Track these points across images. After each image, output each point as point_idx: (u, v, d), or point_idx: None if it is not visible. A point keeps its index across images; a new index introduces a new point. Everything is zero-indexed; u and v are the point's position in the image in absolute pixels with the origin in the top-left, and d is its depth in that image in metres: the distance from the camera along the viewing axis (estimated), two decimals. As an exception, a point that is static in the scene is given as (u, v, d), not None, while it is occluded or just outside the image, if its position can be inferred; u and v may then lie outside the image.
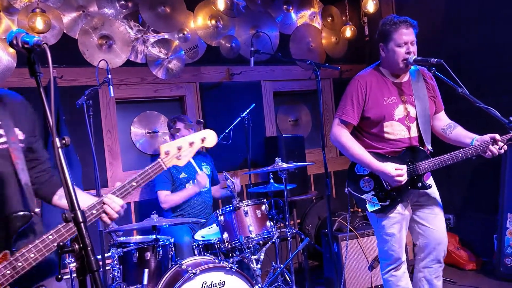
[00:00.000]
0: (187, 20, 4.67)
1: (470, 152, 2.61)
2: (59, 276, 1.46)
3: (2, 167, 1.69)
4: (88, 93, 3.38)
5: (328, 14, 5.56)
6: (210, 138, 1.99)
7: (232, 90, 4.91)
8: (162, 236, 3.35)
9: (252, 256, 3.18)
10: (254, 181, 4.83)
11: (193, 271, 2.82)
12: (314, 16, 5.50)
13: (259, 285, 3.06)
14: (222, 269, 2.93)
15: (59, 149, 1.35)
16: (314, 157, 5.13)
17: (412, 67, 2.76)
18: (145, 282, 3.03)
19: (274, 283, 3.52)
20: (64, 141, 1.38)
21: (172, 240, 3.33)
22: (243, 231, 3.17)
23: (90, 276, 1.29)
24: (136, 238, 3.53)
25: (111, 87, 3.43)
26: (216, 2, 4.67)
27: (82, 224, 1.32)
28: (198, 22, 4.71)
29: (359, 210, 4.42)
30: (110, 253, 3.19)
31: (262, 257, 3.24)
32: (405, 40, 2.66)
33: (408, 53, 2.66)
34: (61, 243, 1.38)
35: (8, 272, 1.58)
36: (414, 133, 2.76)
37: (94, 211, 1.69)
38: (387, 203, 2.72)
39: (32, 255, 1.58)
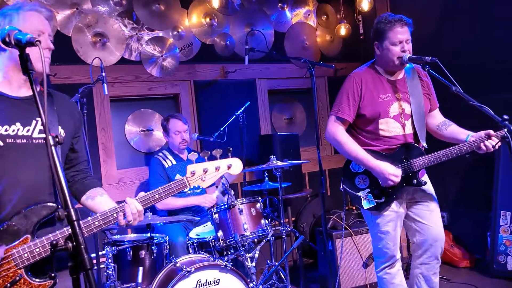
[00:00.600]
0: (182, 17, 4.66)
1: (465, 148, 2.62)
2: (53, 275, 1.47)
3: (40, 159, 1.80)
4: (82, 91, 3.36)
5: (323, 12, 5.56)
6: (235, 166, 2.09)
7: (227, 88, 4.90)
8: (157, 234, 3.34)
9: (247, 254, 3.18)
10: (249, 179, 4.83)
11: (188, 269, 2.82)
12: (309, 14, 5.50)
13: (254, 283, 3.06)
14: (217, 267, 2.93)
15: (52, 147, 1.35)
16: (308, 155, 5.14)
17: (407, 65, 2.77)
18: (140, 280, 3.02)
19: (268, 281, 3.52)
20: (57, 139, 1.38)
21: (167, 238, 3.32)
22: (237, 229, 3.16)
23: (84, 274, 1.29)
24: (131, 236, 3.52)
25: (105, 85, 3.42)
26: (210, 0, 4.66)
27: (75, 222, 1.31)
28: (193, 20, 4.70)
29: (354, 208, 4.44)
30: (104, 251, 3.17)
31: (256, 255, 3.24)
32: (400, 39, 2.66)
33: (403, 51, 2.67)
34: (54, 242, 1.37)
35: (26, 255, 1.69)
36: (409, 130, 2.77)
37: (115, 214, 1.84)
38: (383, 200, 2.73)
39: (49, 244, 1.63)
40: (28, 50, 1.47)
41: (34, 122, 1.83)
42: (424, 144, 2.78)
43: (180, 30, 4.65)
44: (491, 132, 2.58)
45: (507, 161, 4.05)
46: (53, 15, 2.00)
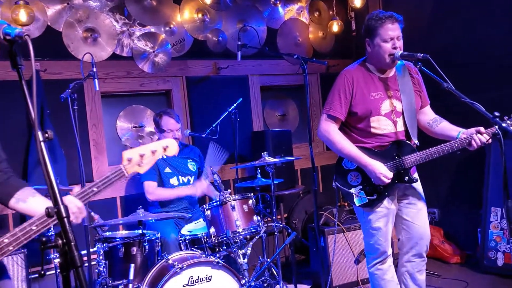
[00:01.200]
0: (174, 13, 4.63)
1: (456, 145, 2.63)
2: (42, 272, 1.45)
3: None
4: (72, 86, 3.33)
5: (315, 9, 5.55)
6: (171, 147, 2.05)
7: (219, 85, 4.88)
8: (148, 231, 3.33)
9: (239, 250, 3.18)
10: (241, 176, 4.83)
11: (180, 265, 2.81)
12: (301, 11, 5.49)
13: (246, 279, 3.06)
14: (209, 264, 2.92)
15: (42, 143, 1.33)
16: (301, 152, 5.14)
17: (398, 62, 2.77)
18: (131, 277, 3.01)
19: (261, 277, 3.52)
20: (47, 135, 1.36)
21: (159, 235, 3.31)
22: (230, 225, 3.16)
23: (74, 272, 1.28)
24: (122, 233, 3.50)
25: (96, 80, 3.39)
26: (203, -5, 4.64)
27: (65, 219, 1.30)
28: (185, 15, 4.67)
29: (346, 204, 4.44)
30: (95, 248, 3.16)
31: (249, 251, 3.24)
32: (391, 35, 2.66)
33: (394, 48, 2.67)
34: (43, 239, 1.36)
35: None
36: (400, 127, 2.78)
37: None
38: (375, 197, 2.74)
39: None
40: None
41: None
42: (416, 141, 2.79)
43: (172, 26, 4.62)
44: (482, 129, 2.59)
45: (498, 158, 4.08)
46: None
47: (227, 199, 3.21)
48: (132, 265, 3.05)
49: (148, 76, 4.50)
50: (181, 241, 3.43)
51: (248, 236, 3.27)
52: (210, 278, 2.90)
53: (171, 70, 4.60)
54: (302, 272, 4.49)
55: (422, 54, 2.57)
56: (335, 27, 5.47)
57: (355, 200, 2.79)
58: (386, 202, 2.75)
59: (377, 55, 2.73)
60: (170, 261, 2.93)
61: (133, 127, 4.53)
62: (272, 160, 3.60)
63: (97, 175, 4.19)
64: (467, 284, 3.88)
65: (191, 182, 3.97)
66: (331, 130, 2.78)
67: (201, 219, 3.61)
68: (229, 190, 3.33)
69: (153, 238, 3.22)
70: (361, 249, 3.86)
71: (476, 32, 4.37)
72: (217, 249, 3.30)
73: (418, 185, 2.84)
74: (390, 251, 2.85)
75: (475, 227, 4.36)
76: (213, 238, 3.17)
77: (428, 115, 2.93)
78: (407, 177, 2.73)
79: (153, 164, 2.00)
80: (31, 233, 1.63)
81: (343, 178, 2.83)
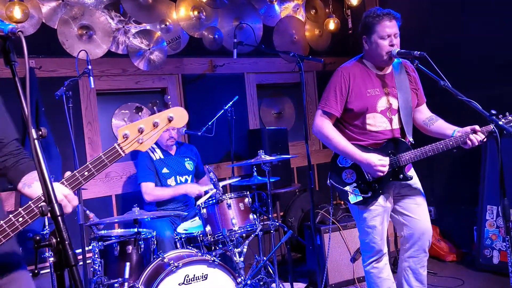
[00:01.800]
0: (169, 10, 4.61)
1: (451, 143, 2.63)
2: (36, 271, 1.43)
3: None
4: (67, 84, 3.30)
5: (312, 6, 5.54)
6: (178, 116, 1.66)
7: (215, 82, 4.87)
8: (144, 230, 3.32)
9: (235, 249, 3.17)
10: (237, 174, 4.82)
11: (176, 264, 2.80)
12: (297, 8, 5.48)
13: (242, 277, 3.05)
14: (205, 262, 2.92)
15: (35, 141, 1.31)
16: (297, 150, 5.13)
17: (395, 59, 2.77)
18: (127, 275, 2.99)
19: (257, 276, 3.52)
20: (40, 132, 1.34)
21: (154, 234, 3.29)
22: (226, 224, 3.15)
23: (68, 270, 1.26)
24: (118, 231, 3.49)
25: (91, 78, 3.36)
26: (199, -8, 4.62)
27: (59, 217, 1.28)
28: (181, 13, 4.65)
29: (342, 202, 4.45)
30: (91, 247, 3.15)
31: (245, 249, 3.23)
32: (388, 33, 2.66)
33: (392, 45, 2.66)
34: (37, 237, 1.34)
35: None
36: (396, 125, 2.77)
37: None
38: (369, 194, 2.73)
39: None
40: None
41: None
42: (411, 139, 2.79)
43: (167, 23, 4.60)
44: (477, 127, 2.59)
45: (494, 156, 4.08)
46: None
47: (223, 197, 3.20)
48: (128, 263, 3.03)
49: (144, 74, 4.48)
50: (177, 240, 3.42)
51: (244, 235, 3.26)
52: (206, 276, 2.89)
53: (166, 68, 4.59)
54: (298, 270, 4.49)
55: (419, 52, 2.56)
56: (332, 25, 5.46)
57: (350, 198, 2.78)
58: (381, 200, 2.75)
59: (374, 52, 2.72)
60: (165, 260, 2.92)
61: (129, 125, 4.50)
62: (268, 158, 3.59)
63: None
64: (463, 282, 3.89)
65: (189, 182, 3.97)
66: (325, 126, 2.77)
67: (197, 217, 3.60)
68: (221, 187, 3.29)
69: (148, 236, 3.21)
70: (357, 247, 3.86)
71: (473, 30, 4.37)
72: (213, 248, 3.29)
73: (415, 181, 2.84)
74: (385, 250, 2.85)
75: (471, 225, 4.36)
76: (209, 237, 3.16)
77: (424, 113, 2.93)
78: (401, 175, 2.73)
79: (157, 138, 1.70)
80: (17, 224, 1.52)
81: (338, 175, 2.83)
